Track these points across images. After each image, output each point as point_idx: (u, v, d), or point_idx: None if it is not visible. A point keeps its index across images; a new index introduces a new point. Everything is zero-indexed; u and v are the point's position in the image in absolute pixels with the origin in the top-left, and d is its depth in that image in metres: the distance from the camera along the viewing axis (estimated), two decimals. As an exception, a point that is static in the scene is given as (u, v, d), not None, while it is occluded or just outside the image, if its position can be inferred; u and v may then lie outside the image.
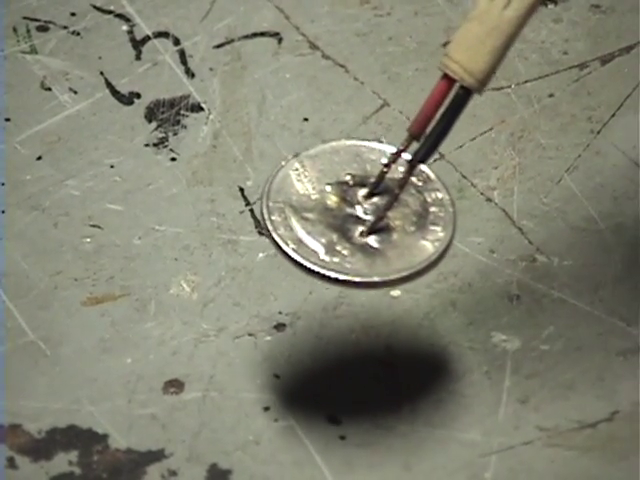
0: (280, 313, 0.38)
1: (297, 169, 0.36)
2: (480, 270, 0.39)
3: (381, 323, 0.38)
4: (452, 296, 0.38)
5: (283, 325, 0.38)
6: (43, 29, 0.44)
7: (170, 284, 0.39)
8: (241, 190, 0.35)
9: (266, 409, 0.36)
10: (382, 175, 0.35)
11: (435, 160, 0.40)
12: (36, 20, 0.45)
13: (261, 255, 0.39)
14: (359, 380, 0.37)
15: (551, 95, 0.42)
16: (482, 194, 0.40)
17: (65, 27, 0.44)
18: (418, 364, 0.38)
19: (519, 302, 0.38)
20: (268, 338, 0.37)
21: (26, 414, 0.37)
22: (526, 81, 0.43)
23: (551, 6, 0.44)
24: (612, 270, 0.40)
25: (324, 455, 0.36)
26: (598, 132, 0.41)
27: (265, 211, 0.35)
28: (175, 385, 0.37)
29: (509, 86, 0.42)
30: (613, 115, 0.42)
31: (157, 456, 0.36)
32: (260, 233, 0.39)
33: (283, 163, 0.36)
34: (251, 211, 0.40)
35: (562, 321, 0.38)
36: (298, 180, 0.36)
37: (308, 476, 0.35)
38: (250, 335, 0.37)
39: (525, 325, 0.38)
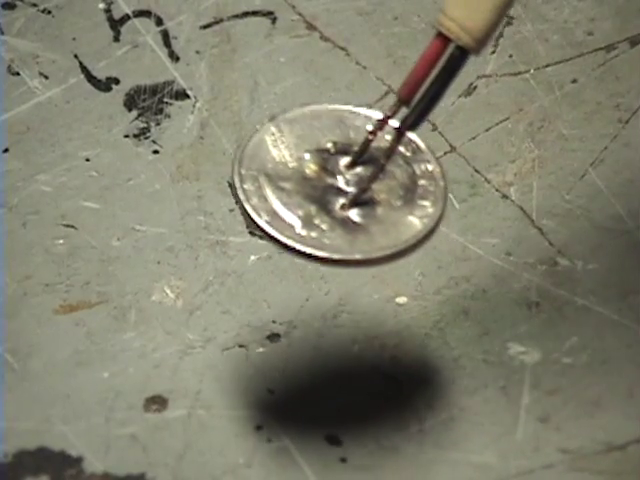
0: (274, 322, 0.38)
1: (273, 134, 0.35)
2: (495, 275, 0.39)
3: (386, 333, 0.38)
4: (464, 303, 0.38)
5: (277, 335, 0.37)
6: (10, 7, 0.44)
7: (152, 290, 0.39)
8: (230, 186, 0.35)
9: (258, 428, 0.35)
10: (367, 143, 0.34)
11: (445, 153, 0.41)
12: None
13: (253, 258, 0.38)
14: (361, 396, 0.37)
15: (574, 81, 0.42)
16: (497, 190, 0.40)
17: (34, 5, 0.44)
18: (427, 379, 0.37)
19: (539, 310, 0.38)
20: (260, 350, 0.37)
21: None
22: (547, 65, 0.43)
23: None
24: None
25: (323, 479, 0.35)
26: (627, 122, 0.41)
27: (237, 179, 0.34)
28: (158, 402, 0.36)
29: (528, 71, 0.42)
30: None
31: None
32: (252, 233, 0.39)
33: (258, 127, 0.35)
34: (242, 209, 0.38)
35: (587, 331, 0.38)
36: (274, 146, 0.35)
37: None
38: (241, 346, 0.37)
39: (545, 335, 0.37)
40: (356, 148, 0.35)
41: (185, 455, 0.36)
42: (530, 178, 0.41)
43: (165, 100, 0.43)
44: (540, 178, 0.41)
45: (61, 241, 0.40)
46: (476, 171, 0.40)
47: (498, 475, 0.35)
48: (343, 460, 0.35)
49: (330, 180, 0.35)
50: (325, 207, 0.34)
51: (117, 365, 0.37)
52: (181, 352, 0.37)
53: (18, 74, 0.42)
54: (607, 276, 0.39)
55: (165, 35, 0.44)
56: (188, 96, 0.43)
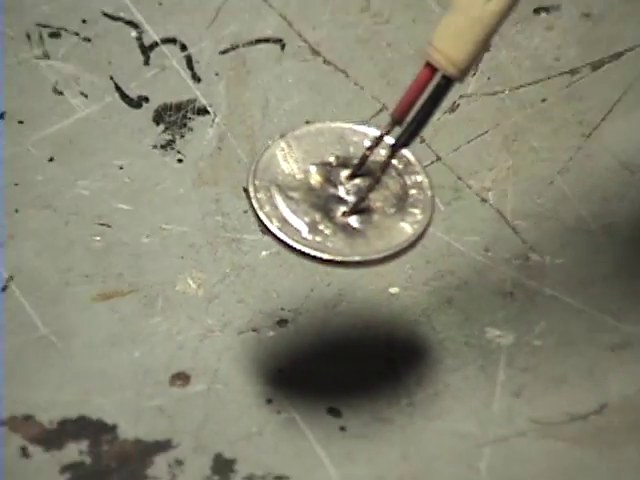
0: (282, 309, 0.38)
1: (283, 149, 0.36)
2: (475, 268, 0.40)
3: (380, 320, 0.39)
4: (448, 293, 0.39)
5: (285, 321, 0.38)
6: (55, 35, 0.44)
7: (176, 281, 0.39)
8: (245, 190, 0.35)
9: (269, 401, 0.36)
10: (365, 157, 0.35)
11: (432, 162, 0.41)
12: (49, 27, 0.46)
13: (264, 253, 0.39)
14: (359, 374, 0.38)
15: (544, 100, 0.43)
16: (477, 195, 0.40)
17: (76, 33, 0.44)
18: (416, 359, 0.38)
19: (513, 299, 0.38)
20: (271, 334, 0.38)
21: (38, 405, 0.37)
22: (520, 86, 0.43)
23: (544, 14, 0.44)
24: (602, 268, 0.40)
25: (324, 446, 0.36)
26: (589, 135, 0.42)
27: (252, 189, 0.35)
28: (181, 378, 0.37)
29: (503, 91, 0.43)
30: (603, 119, 0.42)
31: (164, 446, 0.36)
32: (263, 232, 0.39)
33: (270, 143, 0.36)
34: (255, 216, 0.39)
35: (554, 317, 0.38)
36: (284, 160, 0.36)
37: (309, 466, 0.36)
38: (254, 331, 0.38)
39: (518, 321, 0.38)
40: (355, 162, 0.36)
41: (205, 424, 0.37)
42: (506, 184, 0.41)
43: (188, 116, 0.44)
44: (514, 184, 0.41)
45: (98, 238, 0.41)
46: (459, 178, 0.41)
47: (477, 442, 0.36)
48: (342, 429, 0.36)
49: (332, 190, 0.36)
50: (328, 214, 0.35)
51: (146, 346, 0.38)
52: (202, 335, 0.38)
53: (62, 93, 0.43)
54: (572, 270, 0.39)
55: (188, 59, 0.44)
56: (208, 112, 0.43)
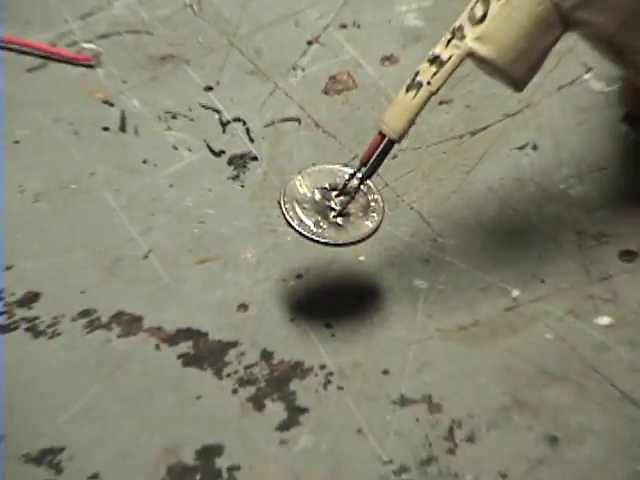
0: (299, 269, 0.38)
1: (300, 180, 0.36)
2: (407, 245, 0.39)
3: (355, 274, 0.38)
4: (391, 259, 0.39)
5: (301, 275, 0.38)
6: (174, 117, 0.44)
7: (240, 253, 0.39)
8: (278, 203, 0.36)
9: (292, 320, 0.37)
10: (345, 184, 0.35)
11: (383, 187, 0.40)
12: (170, 112, 0.44)
13: (289, 238, 0.39)
14: (343, 303, 0.38)
15: (444, 152, 0.42)
16: (408, 205, 0.40)
17: (185, 116, 0.44)
18: (374, 296, 0.38)
19: (427, 263, 0.38)
20: (292, 282, 0.38)
21: (167, 322, 0.37)
22: (431, 144, 0.43)
23: (444, 105, 0.43)
24: (480, 246, 0.39)
25: (324, 346, 0.36)
26: (468, 172, 0.41)
27: (282, 203, 0.35)
28: (243, 307, 0.37)
29: (420, 147, 0.43)
30: (477, 164, 0.42)
31: (234, 344, 0.36)
32: (289, 226, 0.36)
33: (292, 177, 0.36)
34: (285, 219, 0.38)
35: (451, 274, 0.38)
36: (300, 186, 0.36)
37: (314, 356, 0.36)
38: (283, 280, 0.38)
39: (431, 275, 0.38)
40: (340, 187, 0.36)
41: (256, 332, 0.36)
42: (423, 199, 0.41)
43: (246, 162, 0.42)
44: (428, 199, 0.41)
45: (196, 230, 0.40)
46: (397, 196, 0.40)
47: (406, 341, 0.36)
48: (333, 335, 0.36)
49: (327, 203, 0.36)
50: (325, 217, 0.35)
51: (223, 289, 0.38)
52: (254, 283, 0.38)
53: (177, 149, 0.42)
54: (463, 246, 0.39)
55: (247, 130, 0.43)
56: (257, 159, 0.42)
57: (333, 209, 0.35)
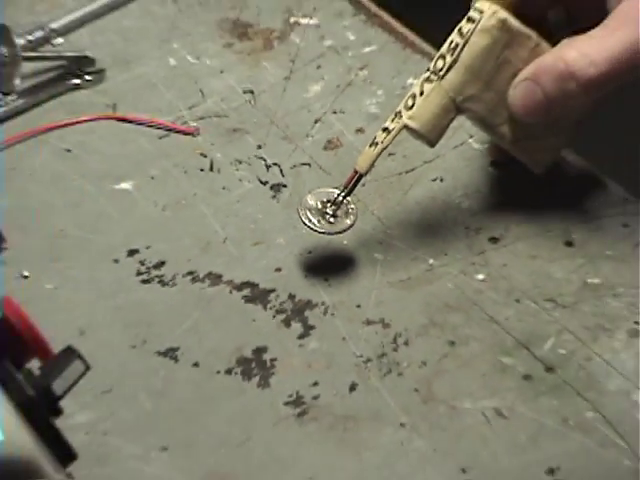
0: (309, 247, 0.37)
1: (310, 197, 0.35)
2: (370, 234, 0.38)
3: (341, 250, 0.37)
4: (362, 242, 0.37)
5: (310, 252, 0.37)
6: (240, 162, 0.40)
7: (276, 239, 0.38)
8: (297, 210, 0.34)
9: (305, 276, 0.36)
10: (335, 199, 0.35)
11: (357, 201, 0.37)
12: (238, 160, 0.41)
13: (304, 231, 0.36)
14: (334, 268, 0.36)
15: (391, 182, 0.40)
16: (370, 211, 0.39)
17: (246, 162, 0.41)
18: (352, 263, 0.36)
19: (382, 244, 0.37)
20: (306, 255, 0.37)
21: (236, 278, 0.35)
22: (383, 178, 0.40)
23: (391, 156, 0.40)
24: (415, 236, 0.37)
25: (324, 291, 0.35)
26: (405, 193, 0.39)
27: (299, 210, 0.35)
28: (278, 269, 0.36)
29: (377, 179, 0.40)
30: (409, 189, 0.39)
31: (273, 290, 0.35)
32: (304, 225, 0.35)
33: (305, 195, 0.35)
34: (301, 219, 0.36)
35: (396, 251, 0.37)
36: (310, 200, 0.35)
37: (318, 296, 0.34)
38: (301, 255, 0.37)
39: (384, 251, 0.37)
40: (332, 200, 0.35)
41: (286, 284, 0.35)
42: (380, 208, 0.39)
43: (280, 187, 0.40)
44: (382, 208, 0.39)
45: (252, 226, 0.38)
46: (365, 206, 0.39)
47: (369, 289, 0.34)
48: (329, 285, 0.35)
49: (325, 210, 0.35)
50: (324, 218, 0.35)
51: (267, 259, 0.36)
52: (286, 256, 0.36)
53: (241, 181, 0.41)
54: (402, 235, 0.38)
55: (280, 170, 0.41)
56: (286, 186, 0.40)
57: (328, 213, 0.35)
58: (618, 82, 0.29)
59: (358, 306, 0.35)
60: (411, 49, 0.43)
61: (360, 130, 0.42)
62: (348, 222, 0.35)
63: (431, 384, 0.31)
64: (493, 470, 0.28)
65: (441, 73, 0.32)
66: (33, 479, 0.15)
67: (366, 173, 0.34)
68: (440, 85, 0.32)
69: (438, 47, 0.33)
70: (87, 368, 0.19)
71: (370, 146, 0.34)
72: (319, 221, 0.34)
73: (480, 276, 0.36)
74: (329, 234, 0.35)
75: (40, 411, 0.17)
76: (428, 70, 0.33)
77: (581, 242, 0.35)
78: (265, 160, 0.41)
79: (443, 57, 0.32)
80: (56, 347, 0.21)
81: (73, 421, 0.28)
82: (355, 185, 0.35)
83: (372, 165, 0.34)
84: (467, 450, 0.28)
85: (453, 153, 0.41)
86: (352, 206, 0.35)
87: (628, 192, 0.37)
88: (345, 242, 0.37)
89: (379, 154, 0.34)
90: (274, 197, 0.40)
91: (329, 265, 0.36)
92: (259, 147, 0.42)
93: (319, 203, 0.35)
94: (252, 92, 0.43)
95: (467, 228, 0.38)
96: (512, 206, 0.37)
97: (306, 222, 0.34)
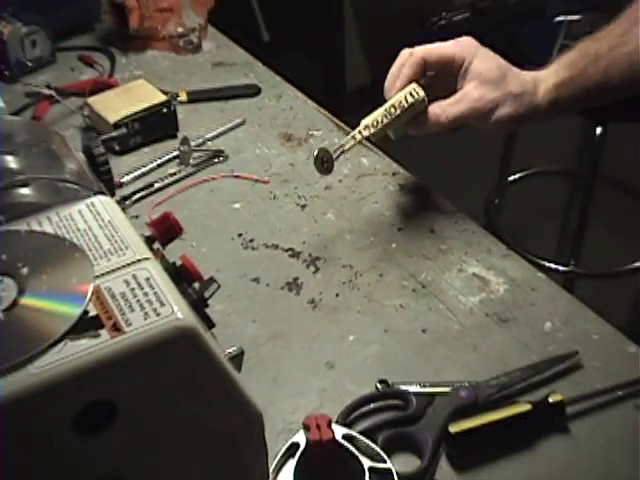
0: (319, 234, 0.46)
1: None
2: (353, 236, 0.45)
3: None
4: (342, 234, 0.47)
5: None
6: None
7: (301, 230, 0.48)
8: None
9: (312, 257, 0.44)
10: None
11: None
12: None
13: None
14: (347, 243, 0.45)
15: (362, 198, 0.51)
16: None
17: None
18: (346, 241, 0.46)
19: (351, 238, 0.43)
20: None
21: (281, 244, 0.45)
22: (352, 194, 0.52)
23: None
24: (369, 239, 0.46)
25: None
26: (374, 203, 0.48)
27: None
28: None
29: (347, 198, 0.51)
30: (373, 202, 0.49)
31: (299, 253, 0.46)
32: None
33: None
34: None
35: (356, 249, 0.46)
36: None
37: (334, 255, 0.43)
38: (317, 235, 0.45)
39: (353, 249, 0.47)
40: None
41: (314, 251, 0.45)
42: (346, 212, 0.48)
43: (306, 209, 0.52)
44: (350, 215, 0.49)
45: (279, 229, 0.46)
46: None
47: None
48: (346, 266, 0.45)
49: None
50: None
51: (302, 237, 0.49)
52: (311, 235, 0.45)
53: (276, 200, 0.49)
54: (357, 239, 0.45)
55: (304, 203, 0.52)
56: (306, 206, 0.49)
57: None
58: (461, 123, 0.54)
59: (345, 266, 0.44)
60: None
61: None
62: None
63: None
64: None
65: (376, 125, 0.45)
66: (197, 334, 0.26)
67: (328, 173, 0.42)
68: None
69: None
70: (218, 286, 0.33)
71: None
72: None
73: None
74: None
75: (198, 305, 0.30)
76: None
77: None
78: (295, 187, 0.62)
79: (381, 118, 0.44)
80: (206, 276, 0.34)
81: (214, 309, 0.37)
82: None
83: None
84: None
85: (342, 184, 0.52)
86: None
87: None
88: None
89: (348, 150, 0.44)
90: (302, 210, 0.54)
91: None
92: (295, 188, 0.63)
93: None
94: (292, 164, 0.67)
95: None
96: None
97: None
